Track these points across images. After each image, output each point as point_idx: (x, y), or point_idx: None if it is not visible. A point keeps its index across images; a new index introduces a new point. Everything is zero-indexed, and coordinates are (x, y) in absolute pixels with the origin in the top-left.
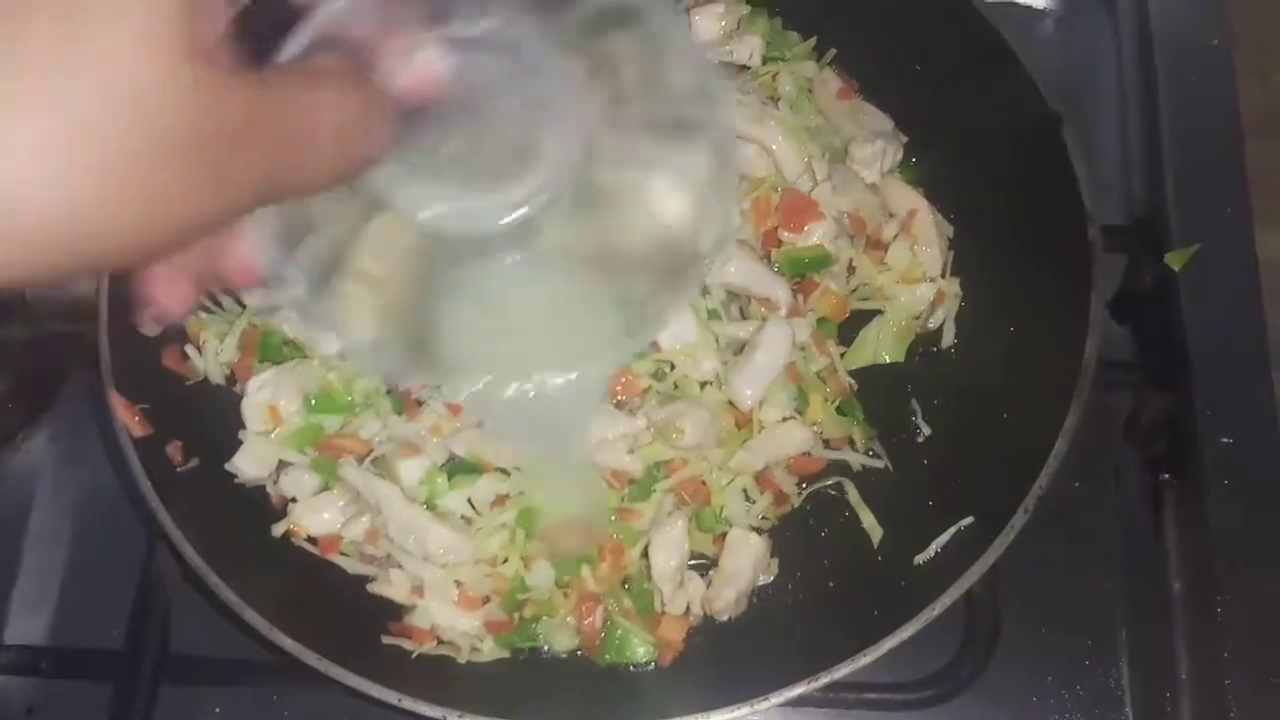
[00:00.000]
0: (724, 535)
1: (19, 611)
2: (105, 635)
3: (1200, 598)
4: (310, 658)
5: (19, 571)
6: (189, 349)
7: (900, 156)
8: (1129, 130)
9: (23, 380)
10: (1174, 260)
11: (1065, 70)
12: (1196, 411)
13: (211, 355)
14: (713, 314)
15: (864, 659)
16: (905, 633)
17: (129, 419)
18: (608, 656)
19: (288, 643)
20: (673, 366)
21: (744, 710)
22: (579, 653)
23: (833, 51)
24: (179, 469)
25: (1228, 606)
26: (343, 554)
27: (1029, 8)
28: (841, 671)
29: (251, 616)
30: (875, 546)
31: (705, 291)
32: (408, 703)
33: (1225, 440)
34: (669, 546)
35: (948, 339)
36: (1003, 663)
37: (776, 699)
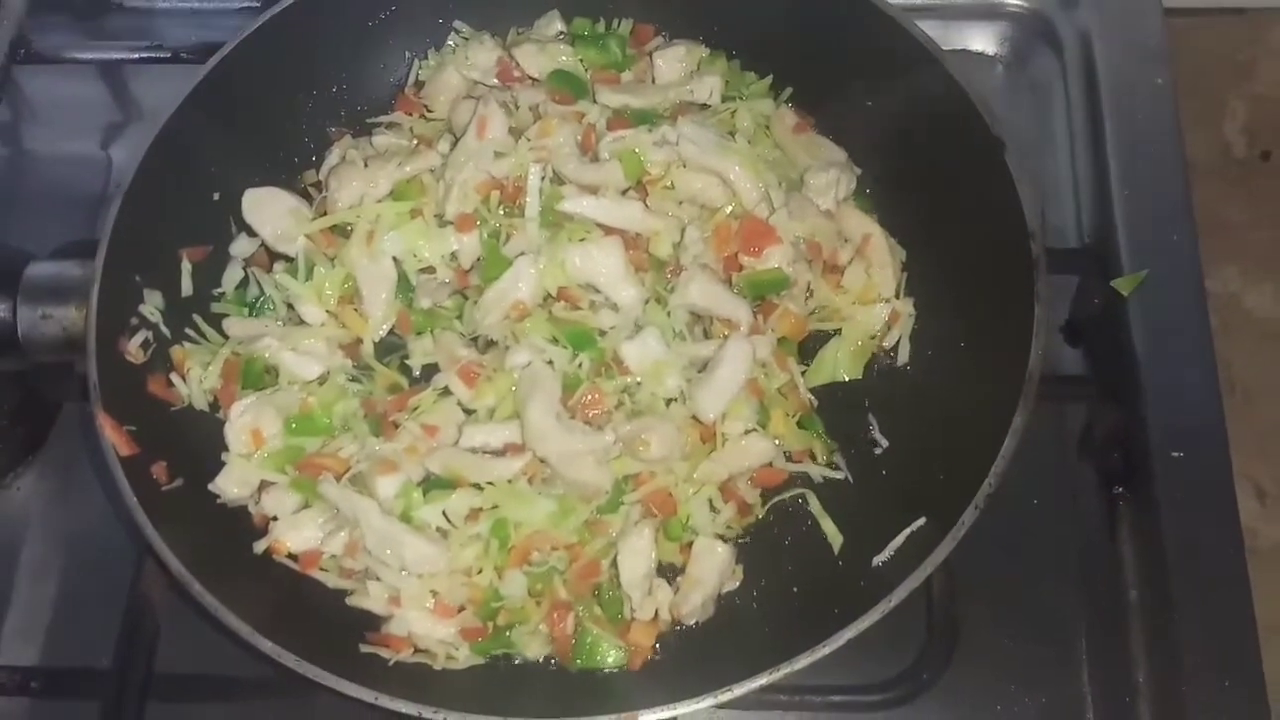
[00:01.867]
0: (690, 544)
1: (11, 637)
2: (94, 657)
3: (1156, 606)
4: (289, 659)
5: (11, 600)
6: (173, 376)
7: (854, 185)
8: (1078, 167)
9: (15, 417)
10: (1122, 285)
11: (1016, 112)
12: (1148, 426)
13: (195, 382)
14: (677, 335)
15: (823, 650)
16: (863, 624)
17: (116, 437)
18: (579, 661)
19: (266, 644)
20: (639, 384)
21: (707, 701)
22: (552, 658)
23: (789, 89)
24: (164, 488)
25: (1183, 614)
26: (322, 569)
27: (981, 54)
28: (802, 662)
29: (232, 621)
30: (836, 553)
31: (669, 312)
32: (385, 701)
33: (1176, 454)
34: (637, 555)
35: (903, 356)
36: (966, 671)
37: (740, 689)
